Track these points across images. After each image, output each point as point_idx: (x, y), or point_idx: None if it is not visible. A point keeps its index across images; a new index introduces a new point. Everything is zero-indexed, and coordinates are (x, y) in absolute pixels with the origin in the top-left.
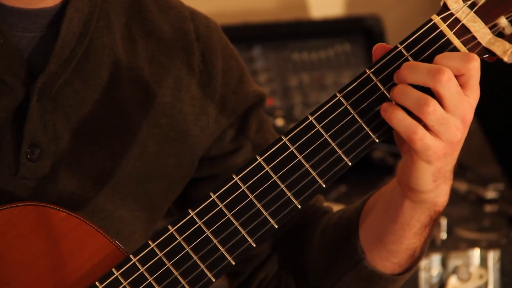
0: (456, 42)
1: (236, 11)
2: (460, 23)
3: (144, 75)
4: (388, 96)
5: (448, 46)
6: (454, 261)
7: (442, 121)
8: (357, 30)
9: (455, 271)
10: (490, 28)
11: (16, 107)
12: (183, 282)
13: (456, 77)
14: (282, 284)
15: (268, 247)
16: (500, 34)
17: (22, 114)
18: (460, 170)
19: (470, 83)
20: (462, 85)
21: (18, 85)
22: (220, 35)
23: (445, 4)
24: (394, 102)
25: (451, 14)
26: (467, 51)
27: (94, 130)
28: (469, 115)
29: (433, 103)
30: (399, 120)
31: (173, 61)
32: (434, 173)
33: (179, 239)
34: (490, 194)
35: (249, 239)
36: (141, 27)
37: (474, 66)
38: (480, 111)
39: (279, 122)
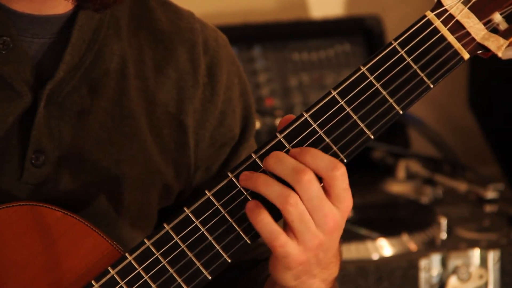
0: (450, 38)
1: (236, 11)
2: (454, 19)
3: (150, 84)
4: (383, 92)
5: (442, 42)
6: (454, 261)
7: (303, 217)
8: (357, 30)
9: (455, 271)
10: (485, 24)
11: (23, 112)
12: (179, 280)
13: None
14: None
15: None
16: (494, 29)
17: (29, 119)
18: (460, 170)
19: (334, 192)
20: (326, 191)
21: (26, 91)
22: (228, 51)
23: (439, 1)
24: (259, 202)
25: (445, 10)
26: (461, 47)
27: (100, 137)
28: (330, 223)
29: (295, 196)
30: (264, 224)
31: (180, 72)
32: (294, 274)
33: (175, 238)
34: (490, 194)
35: (244, 236)
36: (150, 36)
37: (335, 175)
38: (480, 111)
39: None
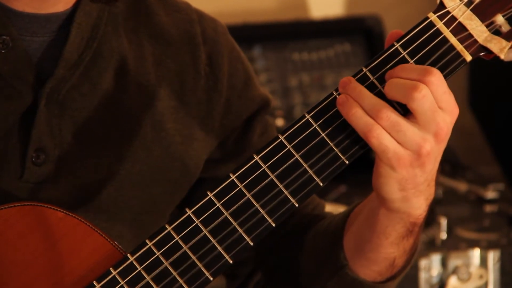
0: (453, 40)
1: (236, 11)
2: (457, 21)
3: (151, 79)
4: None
5: (444, 44)
6: (454, 261)
7: (397, 128)
8: (357, 30)
9: (455, 271)
10: (487, 26)
11: (23, 111)
12: (180, 281)
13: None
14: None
15: (264, 251)
16: (496, 31)
17: (29, 118)
18: (460, 170)
19: (436, 98)
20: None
21: (26, 90)
22: (227, 38)
23: (441, 2)
24: (349, 96)
25: (448, 12)
26: (463, 49)
27: (100, 134)
28: (443, 131)
29: (387, 109)
30: (357, 118)
31: (180, 65)
32: (399, 181)
33: (176, 238)
34: (490, 194)
35: (246, 237)
36: (149, 31)
37: (430, 80)
38: (480, 111)
39: (279, 122)
